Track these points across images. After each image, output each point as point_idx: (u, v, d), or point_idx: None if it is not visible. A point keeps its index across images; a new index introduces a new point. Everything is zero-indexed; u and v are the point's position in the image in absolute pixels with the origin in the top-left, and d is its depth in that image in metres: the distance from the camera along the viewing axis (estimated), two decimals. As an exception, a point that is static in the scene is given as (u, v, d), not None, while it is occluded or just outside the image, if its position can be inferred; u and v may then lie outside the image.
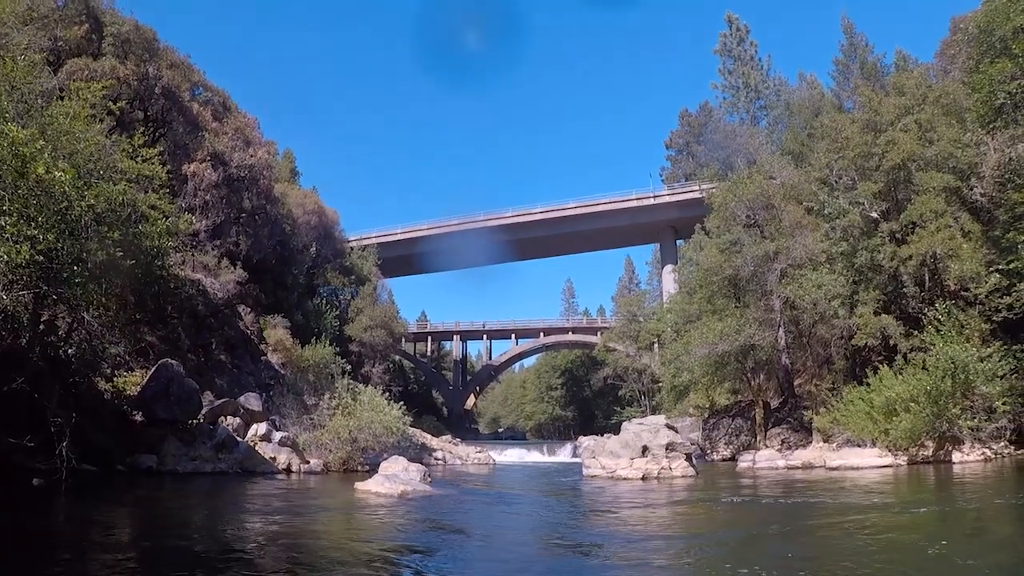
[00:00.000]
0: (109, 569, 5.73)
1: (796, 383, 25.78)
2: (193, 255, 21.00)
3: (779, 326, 23.78)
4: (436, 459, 26.11)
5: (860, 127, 24.42)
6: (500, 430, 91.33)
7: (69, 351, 11.90)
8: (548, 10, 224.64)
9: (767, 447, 22.67)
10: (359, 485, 12.75)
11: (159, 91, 21.72)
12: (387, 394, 21.90)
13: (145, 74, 21.25)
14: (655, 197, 56.85)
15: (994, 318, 19.03)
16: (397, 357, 56.61)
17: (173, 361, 16.45)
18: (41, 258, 9.38)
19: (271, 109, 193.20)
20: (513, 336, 73.82)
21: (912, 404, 17.68)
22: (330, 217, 36.12)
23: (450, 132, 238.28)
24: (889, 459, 17.77)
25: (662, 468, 16.41)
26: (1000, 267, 18.90)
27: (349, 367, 24.97)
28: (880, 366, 20.08)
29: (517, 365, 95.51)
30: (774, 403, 25.53)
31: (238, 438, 16.88)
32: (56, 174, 9.39)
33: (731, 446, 25.66)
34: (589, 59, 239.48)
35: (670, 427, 17.97)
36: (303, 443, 18.51)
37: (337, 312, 32.39)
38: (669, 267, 54.56)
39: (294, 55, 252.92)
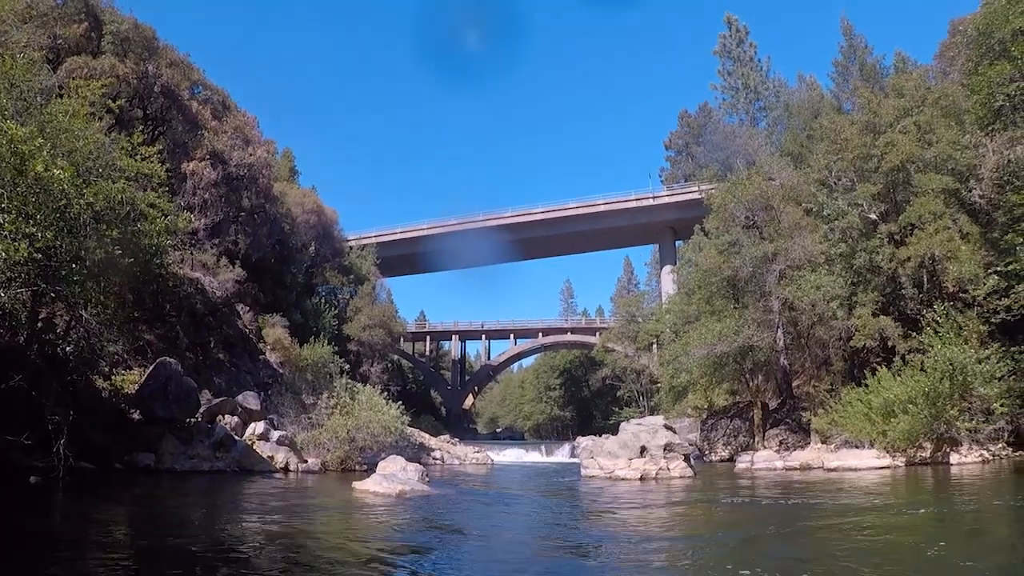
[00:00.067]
0: (107, 568, 5.72)
1: (794, 384, 25.78)
2: (192, 254, 20.99)
3: (778, 327, 23.79)
4: (434, 459, 26.09)
5: (859, 129, 24.44)
6: (498, 430, 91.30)
7: (67, 349, 11.88)
8: (548, 10, 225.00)
9: (765, 448, 22.67)
10: (357, 484, 12.73)
11: (158, 89, 21.70)
12: (385, 393, 21.87)
13: (144, 72, 21.23)
14: (654, 198, 56.88)
15: (992, 320, 19.06)
16: (396, 357, 56.59)
17: (171, 359, 16.44)
18: (39, 256, 9.38)
19: (270, 108, 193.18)
20: (512, 336, 73.80)
21: (910, 405, 17.70)
22: (329, 216, 36.10)
23: (450, 132, 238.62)
24: (887, 460, 17.79)
25: (660, 469, 16.41)
26: (998, 269, 18.93)
27: (347, 366, 24.98)
28: (878, 367, 20.10)
29: (516, 365, 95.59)
30: (772, 404, 25.53)
31: (236, 437, 16.86)
32: (55, 172, 9.39)
33: (729, 447, 25.66)
34: (589, 59, 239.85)
35: (668, 428, 17.97)
36: (301, 442, 18.49)
37: (336, 311, 32.34)
38: (668, 268, 54.57)
39: (294, 54, 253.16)
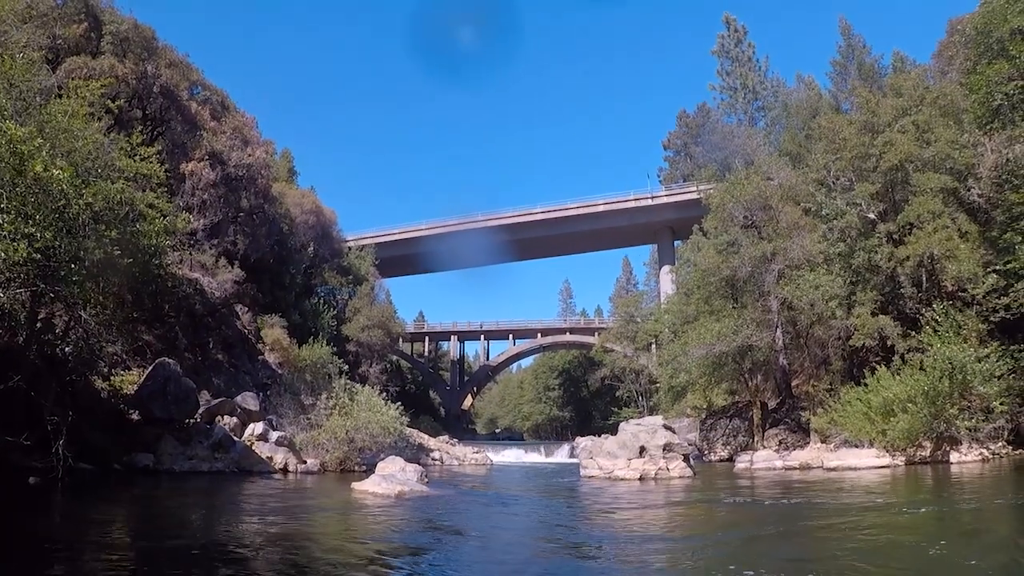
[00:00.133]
0: (106, 568, 5.70)
1: (794, 384, 25.79)
2: (191, 254, 20.98)
3: (776, 327, 23.79)
4: (433, 459, 26.07)
5: (858, 128, 24.46)
6: (497, 431, 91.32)
7: (66, 349, 11.86)
8: (547, 9, 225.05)
9: (765, 448, 22.67)
10: (356, 485, 12.72)
11: (157, 90, 21.68)
12: (384, 394, 21.85)
13: (144, 73, 21.21)
14: (653, 198, 56.88)
15: (991, 318, 19.07)
16: (394, 357, 56.55)
17: (170, 360, 16.41)
18: (38, 256, 9.36)
19: (269, 108, 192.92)
20: (511, 336, 73.79)
21: (910, 404, 17.71)
22: (328, 217, 36.08)
23: (449, 132, 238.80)
24: (887, 459, 17.81)
25: (659, 469, 16.41)
26: (997, 267, 18.95)
27: (346, 367, 24.96)
28: (877, 367, 20.10)
29: (515, 366, 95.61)
30: (772, 404, 25.53)
31: (235, 437, 16.84)
32: (54, 172, 9.37)
33: (729, 447, 25.66)
34: (588, 59, 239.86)
35: (668, 428, 17.97)
36: (300, 443, 18.47)
37: (334, 312, 32.32)
38: (667, 268, 54.55)
39: (292, 54, 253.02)
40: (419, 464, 15.88)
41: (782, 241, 23.26)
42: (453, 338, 75.93)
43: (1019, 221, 18.28)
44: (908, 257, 20.88)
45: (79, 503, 9.98)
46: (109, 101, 14.37)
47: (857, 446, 18.93)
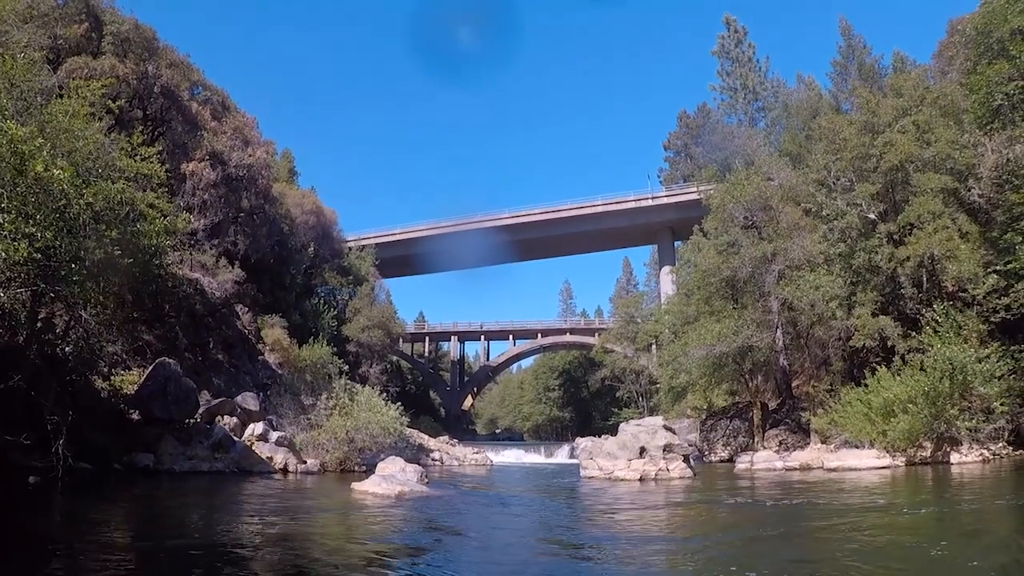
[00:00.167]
0: (106, 569, 5.70)
1: (794, 384, 25.79)
2: (191, 254, 20.97)
3: (777, 327, 23.79)
4: (433, 460, 26.07)
5: (858, 128, 24.46)
6: (497, 431, 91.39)
7: (66, 349, 11.86)
8: (548, 9, 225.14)
9: (765, 448, 22.66)
10: (356, 485, 12.71)
11: (158, 90, 21.68)
12: (384, 394, 21.85)
13: (144, 73, 21.21)
14: (653, 198, 56.89)
15: (992, 319, 19.07)
16: (394, 358, 56.55)
17: (170, 360, 16.41)
18: (39, 256, 9.35)
19: (270, 109, 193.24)
20: (511, 337, 73.79)
21: (910, 405, 17.70)
22: (328, 217, 36.10)
23: (449, 132, 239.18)
24: (887, 460, 17.80)
25: (660, 469, 16.40)
26: (998, 268, 18.94)
27: (346, 367, 24.97)
28: (878, 367, 20.10)
29: (515, 366, 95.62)
30: (772, 404, 25.53)
31: (235, 438, 16.84)
32: (55, 172, 9.37)
33: (729, 447, 25.65)
34: (588, 59, 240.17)
35: (668, 428, 17.96)
36: (300, 443, 18.46)
37: (335, 312, 32.33)
38: (667, 268, 54.56)
39: (293, 54, 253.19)
40: (419, 464, 15.87)
41: (782, 242, 23.26)
42: (453, 338, 75.93)
43: (1019, 221, 18.27)
44: (908, 257, 20.88)
45: (79, 503, 9.97)
46: (110, 101, 14.38)
47: (857, 447, 18.92)
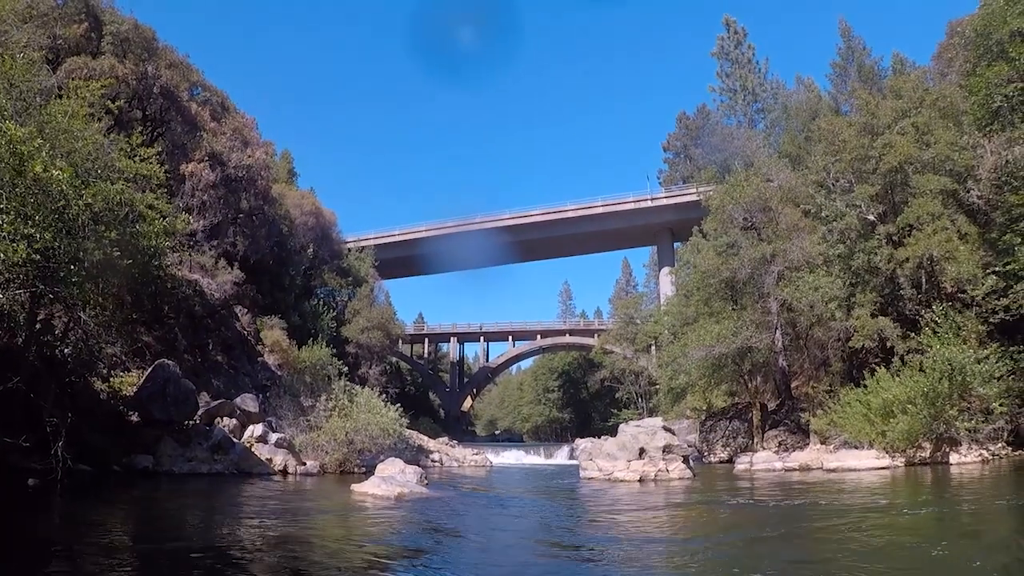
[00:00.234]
0: (105, 571, 5.69)
1: (793, 385, 25.78)
2: (190, 255, 20.92)
3: (776, 328, 23.79)
4: (433, 461, 26.05)
5: (857, 130, 24.48)
6: (497, 432, 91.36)
7: (65, 351, 11.84)
8: (547, 10, 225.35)
9: (764, 449, 22.66)
10: (355, 487, 12.71)
11: (158, 90, 21.66)
12: (384, 396, 21.83)
13: (144, 73, 21.19)
14: (652, 199, 56.89)
15: (991, 320, 19.09)
16: (394, 359, 56.51)
17: (170, 361, 16.38)
18: (38, 257, 9.33)
19: (269, 109, 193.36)
20: (510, 338, 73.75)
21: (909, 406, 17.71)
22: (327, 218, 36.06)
23: (448, 133, 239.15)
24: (886, 461, 17.81)
25: (659, 470, 16.41)
26: (997, 269, 18.97)
27: (346, 369, 24.91)
28: (877, 368, 20.11)
29: (514, 367, 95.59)
30: (771, 405, 25.52)
31: (234, 439, 16.81)
32: (54, 173, 9.35)
33: (728, 448, 25.64)
34: (588, 60, 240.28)
35: (667, 429, 17.97)
36: (299, 445, 18.44)
37: (334, 313, 32.29)
38: (666, 269, 54.57)
39: (292, 55, 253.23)
40: (418, 466, 15.86)
41: (782, 243, 23.27)
42: (453, 340, 75.89)
43: (1018, 223, 18.29)
44: (908, 259, 20.90)
45: (78, 505, 9.95)
46: (109, 102, 14.34)
47: (857, 447, 18.92)
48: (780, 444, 22.85)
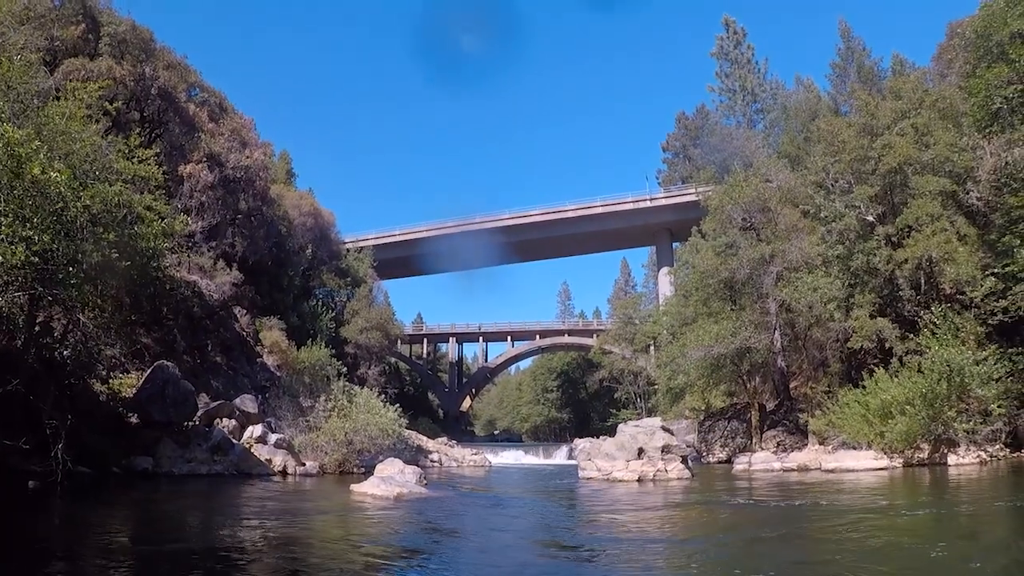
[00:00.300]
0: (105, 572, 5.70)
1: (792, 386, 25.80)
2: (189, 256, 20.94)
3: (775, 329, 23.81)
4: (432, 461, 26.07)
5: (856, 131, 24.49)
6: (496, 432, 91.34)
7: (64, 353, 11.85)
8: (547, 11, 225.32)
9: (763, 449, 22.68)
10: (355, 487, 12.72)
11: (155, 92, 21.64)
12: (383, 396, 21.85)
13: (142, 74, 21.17)
14: (651, 200, 56.90)
15: (990, 321, 19.10)
16: (393, 359, 56.51)
17: (169, 363, 16.37)
18: (36, 259, 9.34)
19: (268, 110, 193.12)
20: (509, 338, 73.76)
21: (908, 407, 17.72)
22: (326, 219, 36.06)
23: (448, 133, 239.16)
24: (884, 462, 17.82)
25: (658, 470, 16.42)
26: (996, 271, 18.98)
27: (345, 369, 24.93)
28: (876, 369, 20.12)
29: (513, 367, 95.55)
30: (770, 406, 25.54)
31: (233, 440, 16.82)
32: (52, 175, 9.36)
33: (727, 448, 25.67)
34: (587, 60, 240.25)
35: (666, 429, 17.98)
36: (299, 445, 18.45)
37: (333, 314, 32.28)
38: (665, 270, 54.58)
39: (291, 56, 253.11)
40: (418, 466, 15.87)
41: (781, 243, 23.29)
42: (451, 340, 75.91)
43: (1018, 224, 18.31)
44: (907, 260, 20.91)
45: (78, 507, 9.96)
46: (107, 103, 14.37)
47: (855, 448, 18.93)
48: (778, 444, 22.86)
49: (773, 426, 23.91)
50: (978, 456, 17.58)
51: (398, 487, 12.35)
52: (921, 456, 17.93)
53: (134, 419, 15.27)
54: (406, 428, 22.82)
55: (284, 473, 17.02)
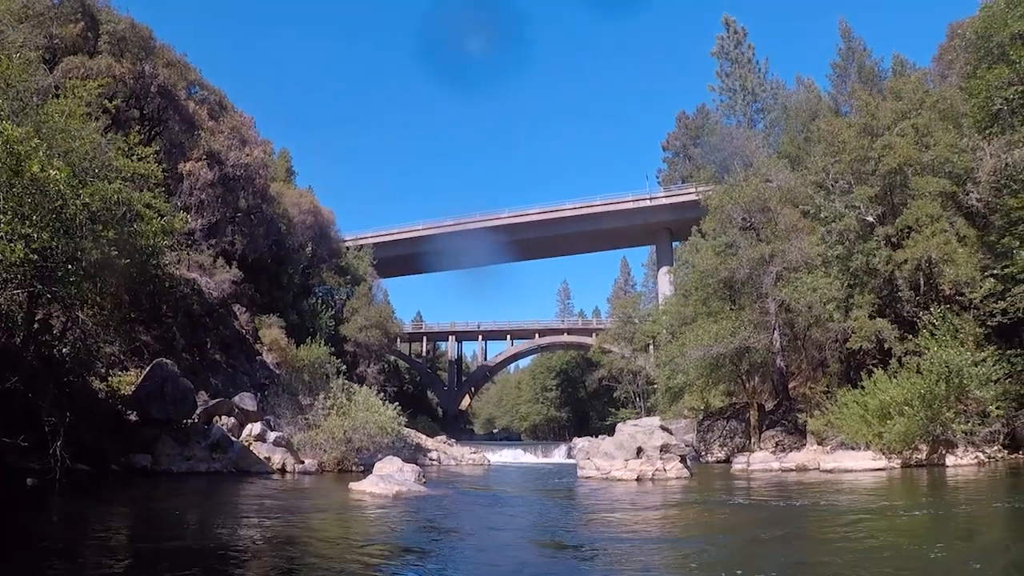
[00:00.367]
0: (104, 570, 5.70)
1: (791, 386, 25.81)
2: (188, 254, 20.93)
3: (774, 329, 23.82)
4: (431, 460, 26.08)
5: (857, 131, 24.48)
6: (495, 431, 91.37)
7: (64, 350, 11.84)
8: (547, 12, 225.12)
9: (761, 449, 22.71)
10: (354, 485, 12.72)
11: (155, 89, 21.62)
12: (382, 394, 21.89)
13: (141, 72, 21.14)
14: (651, 199, 56.92)
15: (988, 323, 19.12)
16: (392, 357, 56.50)
17: (168, 360, 16.38)
18: (36, 257, 9.34)
19: (267, 108, 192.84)
20: (508, 337, 73.78)
21: (906, 407, 17.73)
22: (326, 217, 36.05)
23: (448, 132, 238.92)
24: (883, 462, 17.84)
25: (657, 470, 16.43)
26: (995, 272, 18.98)
27: (344, 367, 24.92)
28: (874, 369, 20.14)
29: (512, 366, 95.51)
30: (769, 405, 25.56)
31: (233, 438, 16.82)
32: (51, 172, 9.36)
33: (725, 448, 25.69)
34: (587, 61, 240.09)
35: (665, 429, 17.99)
36: (298, 443, 18.45)
37: (332, 312, 32.30)
38: (665, 269, 54.58)
39: (291, 54, 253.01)
40: (416, 464, 15.87)
41: (780, 243, 23.29)
42: (451, 338, 75.95)
43: (1017, 226, 18.32)
44: (906, 260, 20.91)
45: (77, 504, 9.95)
46: (106, 101, 14.37)
47: (853, 448, 18.95)
48: (777, 444, 22.89)
49: (772, 426, 23.93)
50: (976, 457, 17.60)
51: (397, 485, 12.35)
52: (919, 457, 17.94)
53: (133, 417, 15.27)
54: (405, 426, 22.82)
55: (283, 471, 17.02)
